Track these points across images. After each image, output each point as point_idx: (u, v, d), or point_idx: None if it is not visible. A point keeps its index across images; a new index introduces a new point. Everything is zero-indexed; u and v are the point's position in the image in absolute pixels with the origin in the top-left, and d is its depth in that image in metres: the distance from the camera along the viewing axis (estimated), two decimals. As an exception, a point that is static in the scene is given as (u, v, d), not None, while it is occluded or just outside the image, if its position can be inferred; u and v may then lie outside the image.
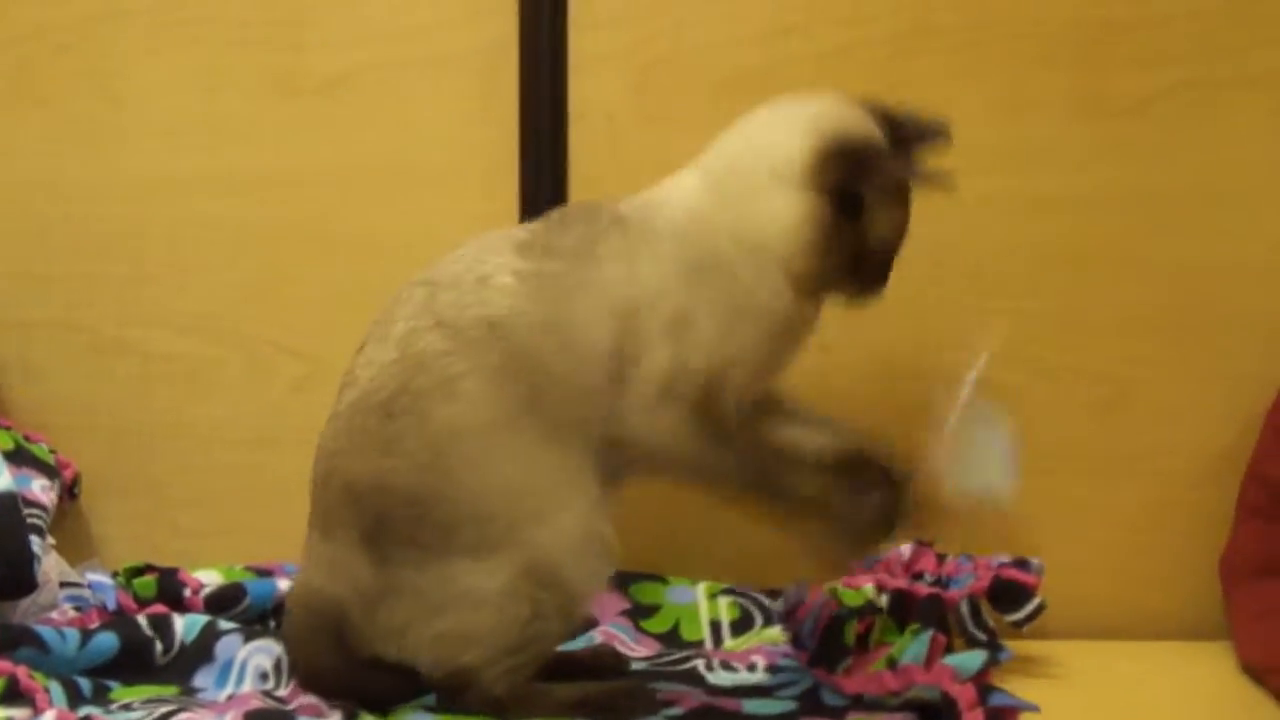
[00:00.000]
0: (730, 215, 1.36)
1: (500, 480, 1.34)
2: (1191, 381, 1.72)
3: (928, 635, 1.36)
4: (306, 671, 1.40)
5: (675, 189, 1.42)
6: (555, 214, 1.48)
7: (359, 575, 1.36)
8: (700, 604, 1.66)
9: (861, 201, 1.34)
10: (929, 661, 1.32)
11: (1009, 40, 1.73)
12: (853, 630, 1.45)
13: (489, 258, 1.39)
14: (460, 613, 1.34)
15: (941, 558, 1.68)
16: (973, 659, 1.30)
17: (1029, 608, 1.56)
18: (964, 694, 1.26)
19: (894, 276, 1.56)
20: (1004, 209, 1.73)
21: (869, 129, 1.36)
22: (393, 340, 1.36)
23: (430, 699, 1.40)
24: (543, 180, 1.78)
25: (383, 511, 1.34)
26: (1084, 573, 1.69)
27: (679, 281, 1.36)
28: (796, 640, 1.52)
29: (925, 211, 1.65)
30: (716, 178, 1.39)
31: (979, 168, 1.65)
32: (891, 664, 1.35)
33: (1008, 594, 1.57)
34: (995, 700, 1.26)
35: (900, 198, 1.38)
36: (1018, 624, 1.53)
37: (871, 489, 1.38)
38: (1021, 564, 1.61)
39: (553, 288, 1.37)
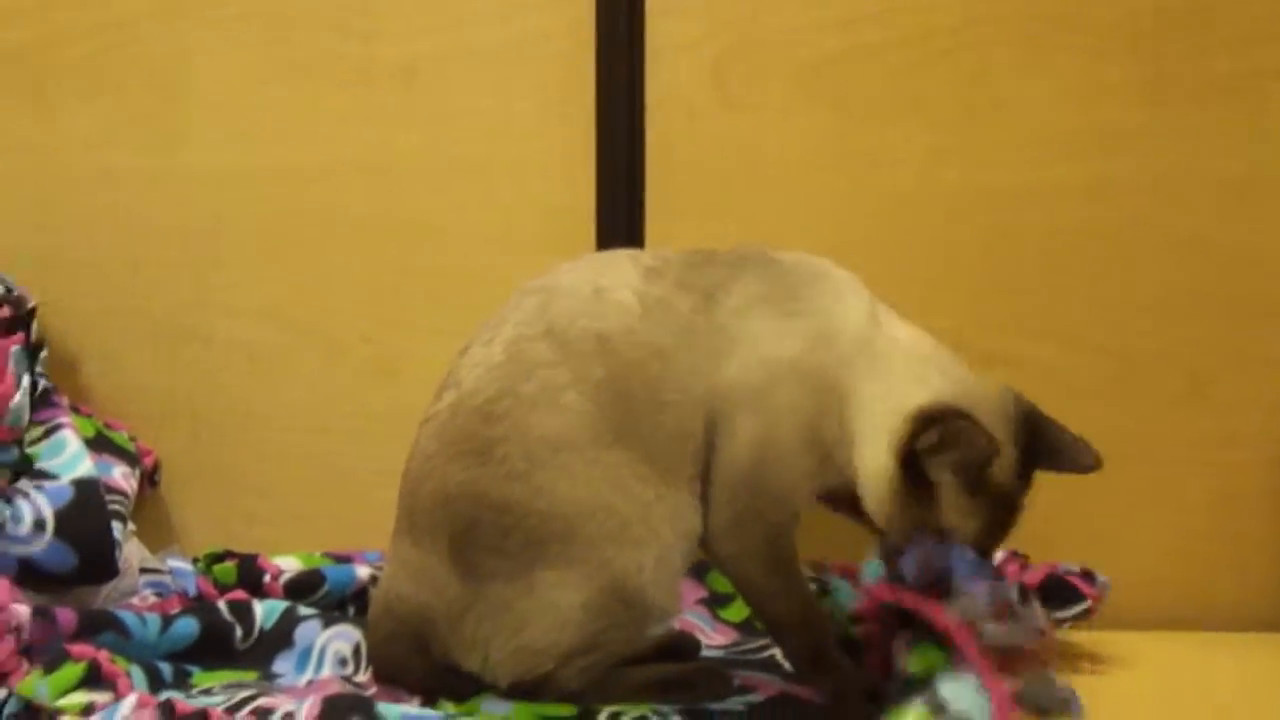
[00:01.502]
0: (858, 410, 1.32)
1: (593, 498, 1.35)
2: (1266, 370, 1.72)
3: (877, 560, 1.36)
4: (388, 674, 1.42)
5: (856, 316, 1.36)
6: (698, 252, 1.45)
7: (446, 585, 1.38)
8: None
9: (927, 475, 1.31)
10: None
11: (1077, 29, 1.72)
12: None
13: (609, 273, 1.40)
14: (543, 626, 1.36)
15: (1025, 561, 1.68)
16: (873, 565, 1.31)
17: (1077, 609, 1.55)
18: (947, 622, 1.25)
19: (961, 255, 1.60)
20: (1077, 195, 1.72)
21: (969, 407, 1.31)
22: (500, 344, 1.37)
23: (505, 687, 1.47)
24: (619, 170, 1.78)
25: (473, 519, 1.35)
26: (1155, 562, 1.70)
27: (799, 381, 1.35)
28: (897, 576, 1.46)
29: (996, 199, 1.67)
30: (875, 363, 1.33)
31: (1049, 155, 1.68)
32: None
33: (1063, 594, 1.57)
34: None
35: (976, 486, 1.31)
36: (1060, 621, 1.52)
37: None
38: (1087, 575, 1.60)
39: (676, 320, 1.38)
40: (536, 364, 1.37)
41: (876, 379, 1.35)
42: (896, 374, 1.35)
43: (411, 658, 1.42)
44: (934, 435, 1.30)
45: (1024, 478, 1.34)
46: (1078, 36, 1.74)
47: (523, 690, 1.40)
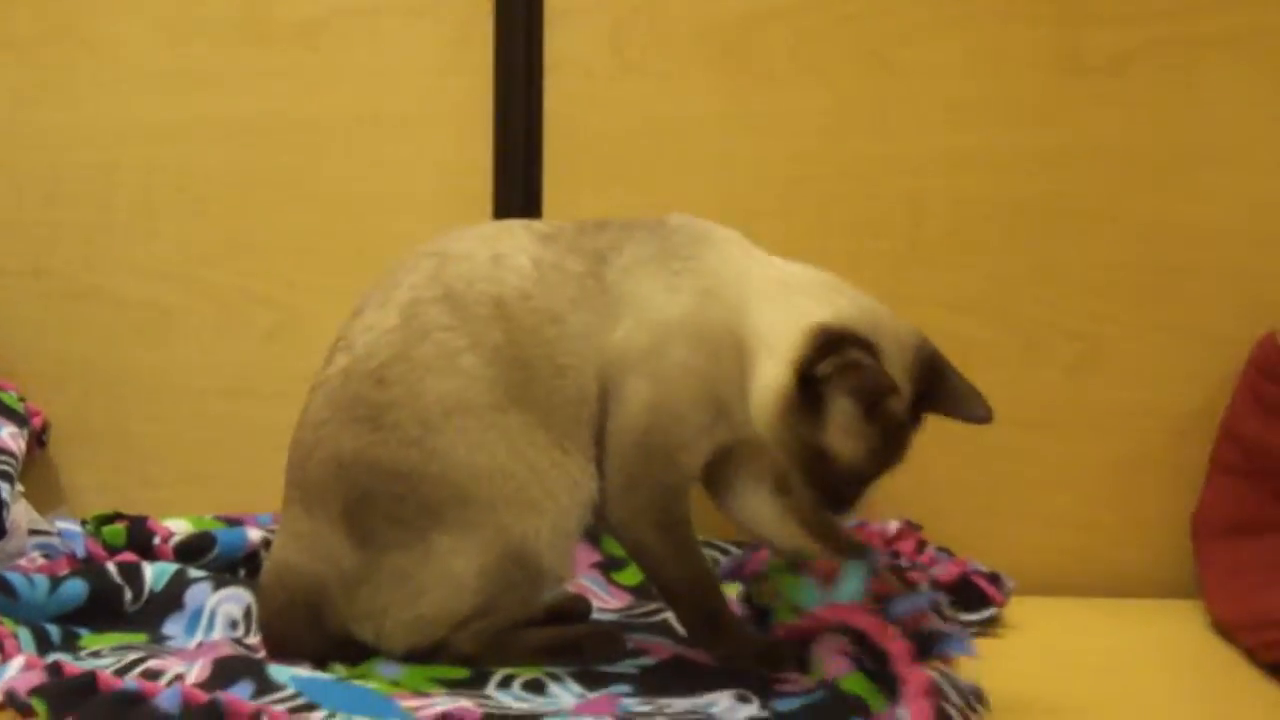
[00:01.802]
0: (755, 340, 1.34)
1: (489, 463, 1.35)
2: (1165, 339, 1.74)
3: (807, 575, 1.41)
4: (280, 646, 1.41)
5: (743, 266, 1.39)
6: (591, 220, 1.46)
7: (340, 555, 1.37)
8: None
9: (822, 397, 1.31)
10: (821, 592, 1.36)
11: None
12: (759, 587, 1.50)
13: (505, 239, 1.40)
14: (440, 594, 1.36)
15: (922, 545, 1.70)
16: (853, 579, 1.34)
17: (984, 614, 1.58)
18: (871, 624, 1.29)
19: (868, 227, 1.61)
20: (982, 164, 1.73)
21: (872, 336, 1.31)
22: (394, 306, 1.36)
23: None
24: (516, 131, 1.78)
25: (367, 487, 1.35)
26: (1055, 529, 1.73)
27: (689, 341, 1.36)
28: (748, 597, 1.54)
29: (904, 164, 1.68)
30: (769, 294, 1.35)
31: (958, 122, 1.69)
32: (794, 610, 1.38)
33: (972, 597, 1.59)
34: (899, 610, 1.30)
35: (869, 415, 1.31)
36: (968, 624, 1.53)
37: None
38: (994, 579, 1.62)
39: (570, 283, 1.38)
40: (432, 327, 1.36)
41: (772, 307, 1.34)
42: (795, 298, 1.34)
43: (304, 629, 1.40)
44: (835, 361, 1.28)
45: (916, 418, 1.34)
46: (986, 3, 1.74)
47: (417, 657, 1.40)
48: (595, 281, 1.39)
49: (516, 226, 1.46)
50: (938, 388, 1.34)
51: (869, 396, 1.30)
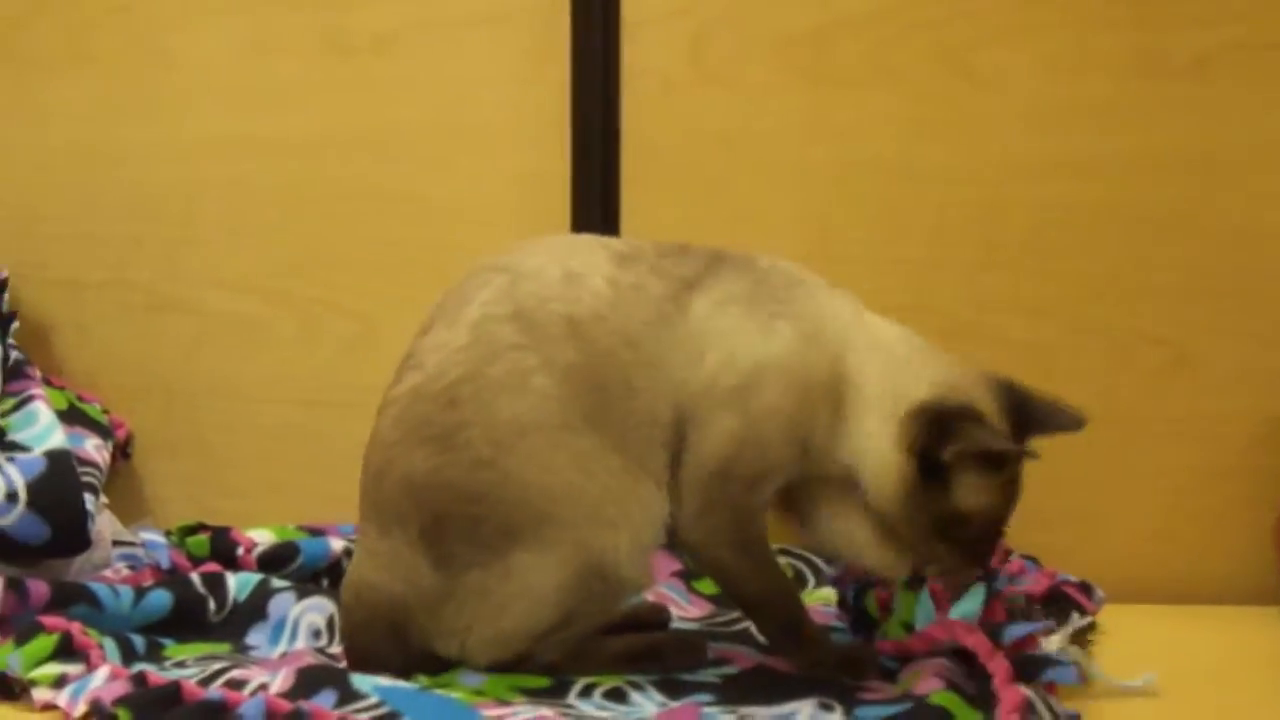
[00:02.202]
0: (854, 393, 1.34)
1: (564, 483, 1.35)
2: (1249, 345, 1.72)
3: (926, 591, 1.42)
4: (362, 660, 1.41)
5: (836, 312, 1.39)
6: (672, 244, 1.47)
7: (419, 575, 1.37)
8: None
9: (945, 468, 1.33)
10: (938, 612, 1.38)
11: (1068, -1, 1.82)
12: (873, 598, 1.50)
13: (579, 256, 1.40)
14: (521, 609, 1.37)
15: (1008, 554, 1.69)
16: (973, 600, 1.35)
17: (1080, 624, 1.57)
18: (979, 644, 1.29)
19: (947, 234, 1.60)
20: (1064, 169, 1.73)
21: (968, 398, 1.35)
22: (464, 324, 1.36)
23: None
24: (594, 142, 1.78)
25: (442, 510, 1.35)
26: (1138, 536, 1.72)
27: (784, 383, 1.36)
28: (843, 602, 1.56)
29: (982, 170, 1.67)
30: (863, 346, 1.36)
31: (1037, 127, 1.68)
32: (907, 627, 1.41)
33: (1062, 608, 1.58)
34: (1012, 634, 1.30)
35: (992, 471, 1.35)
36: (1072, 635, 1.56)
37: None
38: (1085, 588, 1.62)
39: (648, 307, 1.38)
40: (504, 346, 1.36)
41: (869, 373, 1.35)
42: (890, 367, 1.35)
43: (386, 645, 1.40)
44: (955, 446, 1.30)
45: (1023, 452, 1.37)
46: (1064, 7, 1.73)
47: (500, 668, 1.41)
48: (676, 309, 1.38)
49: (592, 243, 1.46)
50: (1028, 415, 1.37)
51: (994, 460, 1.34)
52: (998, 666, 1.25)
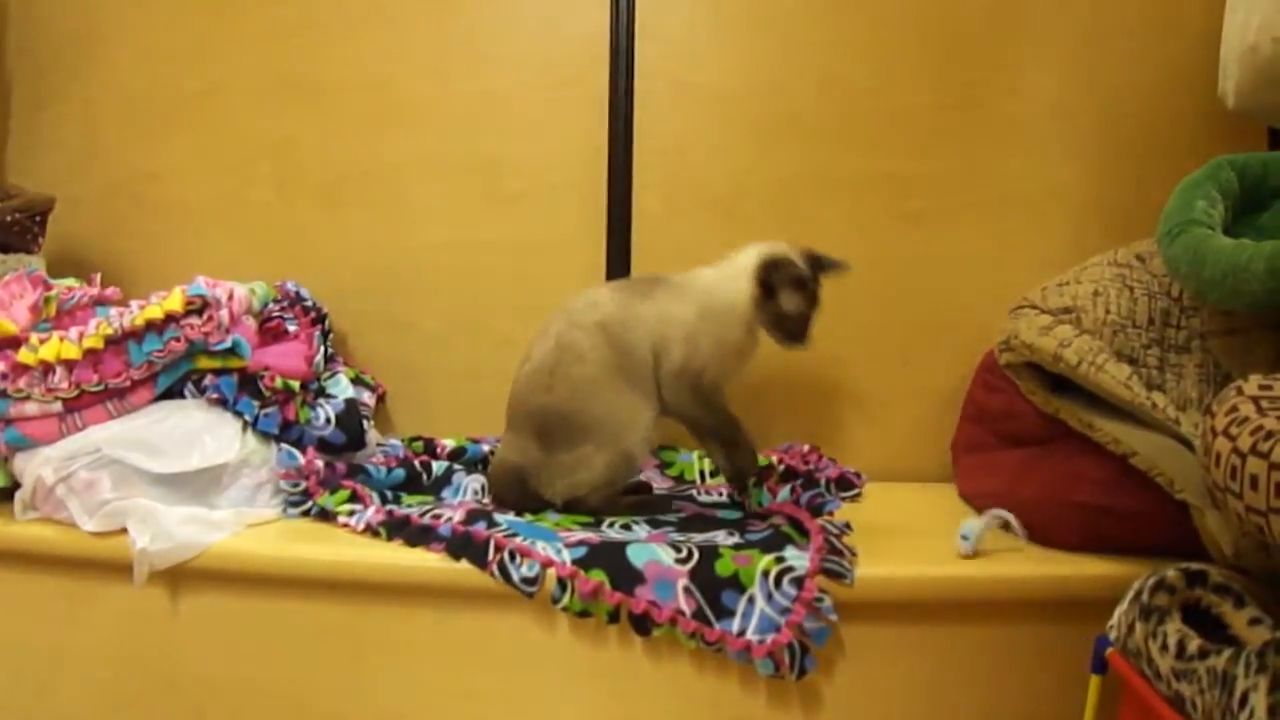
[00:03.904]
0: (723, 289, 1.72)
1: (606, 408, 1.68)
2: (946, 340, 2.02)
3: (765, 490, 1.78)
4: (501, 502, 1.72)
5: (700, 275, 1.75)
6: (637, 277, 1.83)
7: (533, 455, 1.69)
8: (694, 461, 2.06)
9: (774, 288, 1.68)
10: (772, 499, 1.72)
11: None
12: (761, 489, 1.79)
13: (596, 294, 1.74)
14: (584, 474, 1.71)
15: (820, 455, 2.01)
16: (782, 494, 1.76)
17: (850, 494, 1.89)
18: (795, 510, 1.69)
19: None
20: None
21: (787, 253, 1.69)
22: (550, 337, 1.71)
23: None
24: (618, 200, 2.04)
25: (546, 422, 1.67)
26: (886, 442, 2.04)
27: (694, 317, 1.70)
28: (731, 496, 1.86)
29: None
30: (722, 271, 1.75)
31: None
32: (759, 504, 1.73)
33: (843, 484, 1.93)
34: (806, 499, 1.69)
35: (798, 289, 1.69)
36: (844, 498, 1.88)
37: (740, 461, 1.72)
38: (857, 475, 1.94)
39: (632, 307, 1.71)
40: (569, 341, 1.68)
41: (732, 278, 1.73)
42: (740, 265, 1.72)
43: (514, 494, 1.71)
44: (778, 274, 1.69)
45: (816, 279, 1.73)
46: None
47: (569, 508, 1.71)
48: (643, 305, 1.72)
49: (602, 288, 1.75)
50: (819, 262, 1.72)
51: (799, 281, 1.66)
52: (803, 516, 1.63)
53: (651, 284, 1.74)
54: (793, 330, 1.71)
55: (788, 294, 1.71)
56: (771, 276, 1.69)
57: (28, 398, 1.63)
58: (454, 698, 1.53)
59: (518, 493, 1.74)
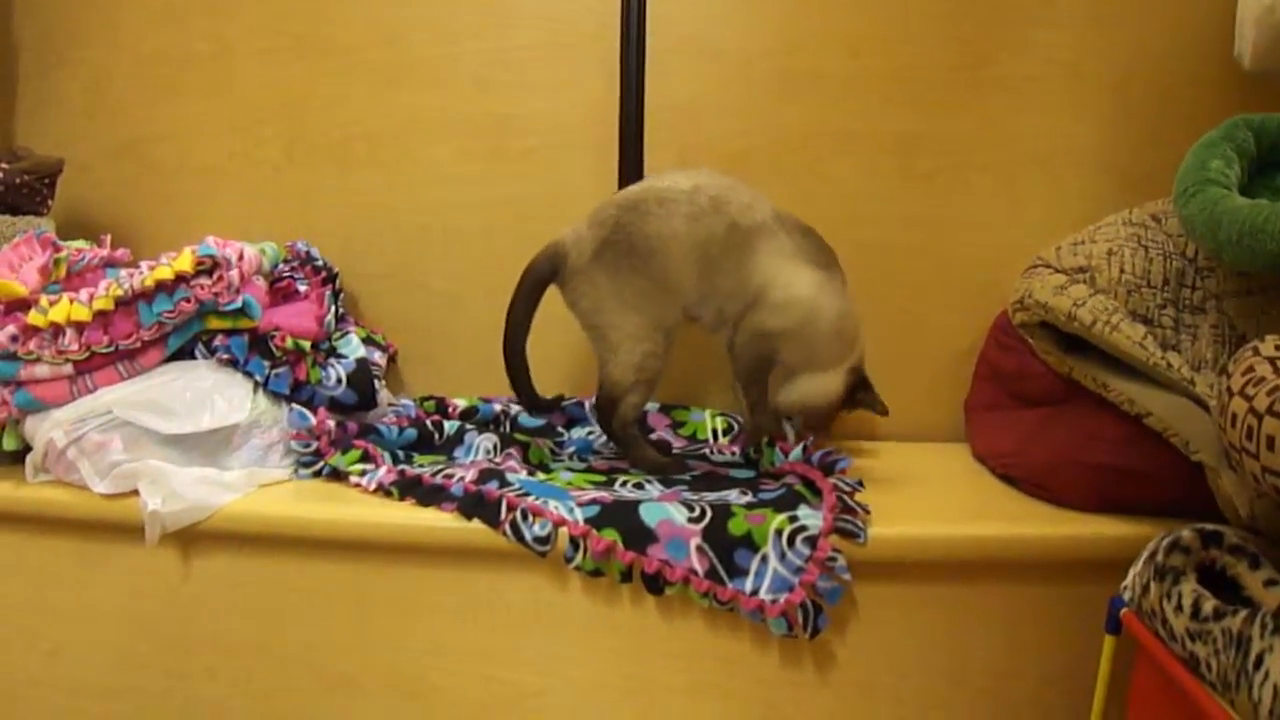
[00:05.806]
0: (829, 352, 1.80)
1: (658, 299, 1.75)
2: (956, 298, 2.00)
3: (777, 448, 1.77)
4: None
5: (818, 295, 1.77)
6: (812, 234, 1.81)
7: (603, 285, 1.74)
8: (707, 420, 2.04)
9: (855, 393, 1.79)
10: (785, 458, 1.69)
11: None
12: (774, 450, 1.77)
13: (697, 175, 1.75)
14: (625, 357, 1.75)
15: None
16: (796, 452, 1.72)
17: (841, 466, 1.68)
18: (807, 469, 1.67)
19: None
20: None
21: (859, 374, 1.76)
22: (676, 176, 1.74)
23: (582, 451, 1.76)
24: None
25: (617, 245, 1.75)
26: (898, 402, 1.90)
27: (801, 321, 1.82)
28: (745, 454, 1.86)
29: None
30: (838, 321, 1.77)
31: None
32: (773, 464, 1.73)
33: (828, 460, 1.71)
34: (818, 459, 1.65)
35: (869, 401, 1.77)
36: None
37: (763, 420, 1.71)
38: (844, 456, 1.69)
39: (772, 238, 1.77)
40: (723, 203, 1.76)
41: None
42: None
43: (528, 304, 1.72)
44: (862, 387, 1.81)
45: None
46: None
47: (604, 398, 1.75)
48: (772, 258, 1.79)
49: (786, 216, 1.77)
50: (860, 394, 1.82)
51: (872, 403, 1.82)
52: (816, 475, 1.61)
53: (818, 253, 1.75)
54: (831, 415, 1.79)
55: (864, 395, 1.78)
56: (857, 394, 1.79)
57: (38, 360, 1.63)
58: (467, 657, 1.55)
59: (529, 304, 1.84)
